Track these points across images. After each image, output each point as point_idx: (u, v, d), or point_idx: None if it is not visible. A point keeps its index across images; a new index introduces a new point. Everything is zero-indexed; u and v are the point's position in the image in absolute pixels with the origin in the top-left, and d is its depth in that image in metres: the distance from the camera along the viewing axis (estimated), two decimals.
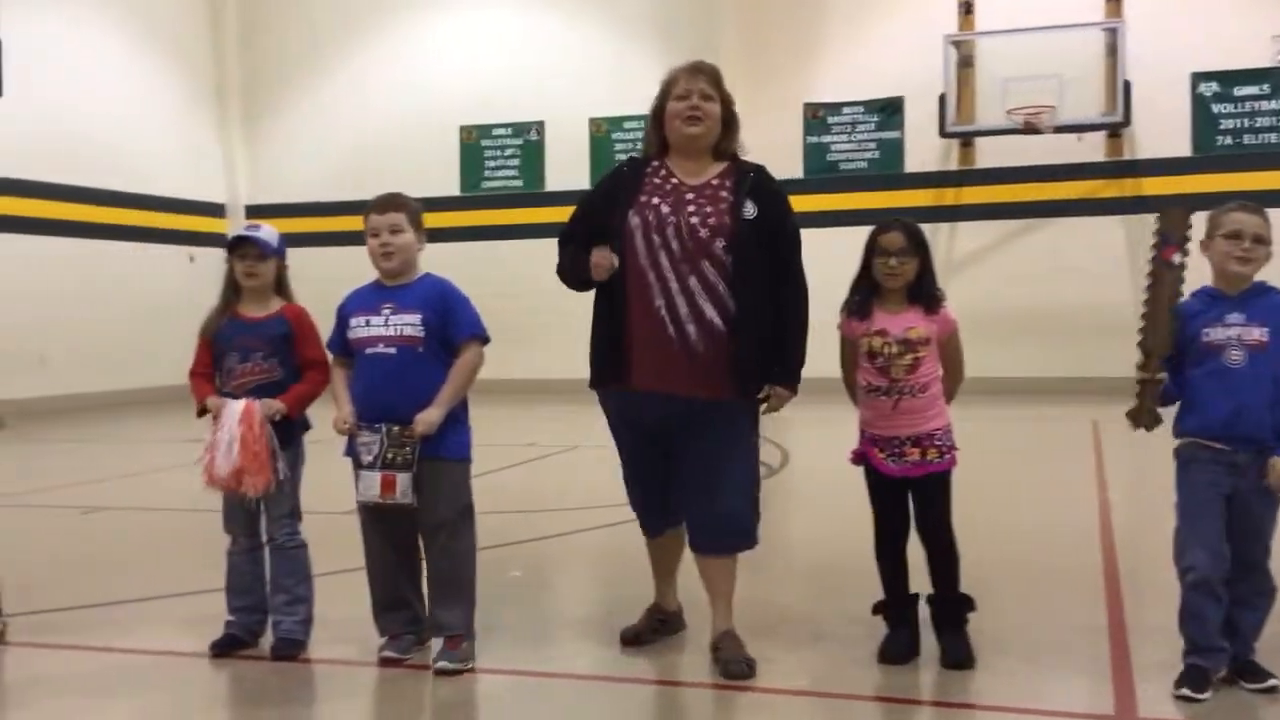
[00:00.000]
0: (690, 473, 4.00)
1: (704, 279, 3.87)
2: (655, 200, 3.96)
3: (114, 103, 16.22)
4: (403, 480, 3.96)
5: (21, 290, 14.13)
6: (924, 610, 4.14)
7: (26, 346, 14.15)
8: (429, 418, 3.93)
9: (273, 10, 18.49)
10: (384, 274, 4.14)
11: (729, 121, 4.11)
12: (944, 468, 4.03)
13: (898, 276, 4.02)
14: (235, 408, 4.08)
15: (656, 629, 4.32)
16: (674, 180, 4.02)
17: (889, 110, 16.34)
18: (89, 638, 4.52)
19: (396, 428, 3.95)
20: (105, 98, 16.04)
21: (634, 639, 4.27)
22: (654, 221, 3.91)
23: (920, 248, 4.04)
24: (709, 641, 4.07)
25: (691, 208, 3.93)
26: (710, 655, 4.03)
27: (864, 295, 4.10)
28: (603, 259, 3.89)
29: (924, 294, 4.06)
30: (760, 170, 4.11)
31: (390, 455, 3.96)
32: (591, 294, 4.09)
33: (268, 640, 4.27)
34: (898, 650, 4.04)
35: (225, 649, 4.22)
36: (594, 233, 4.01)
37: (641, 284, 3.90)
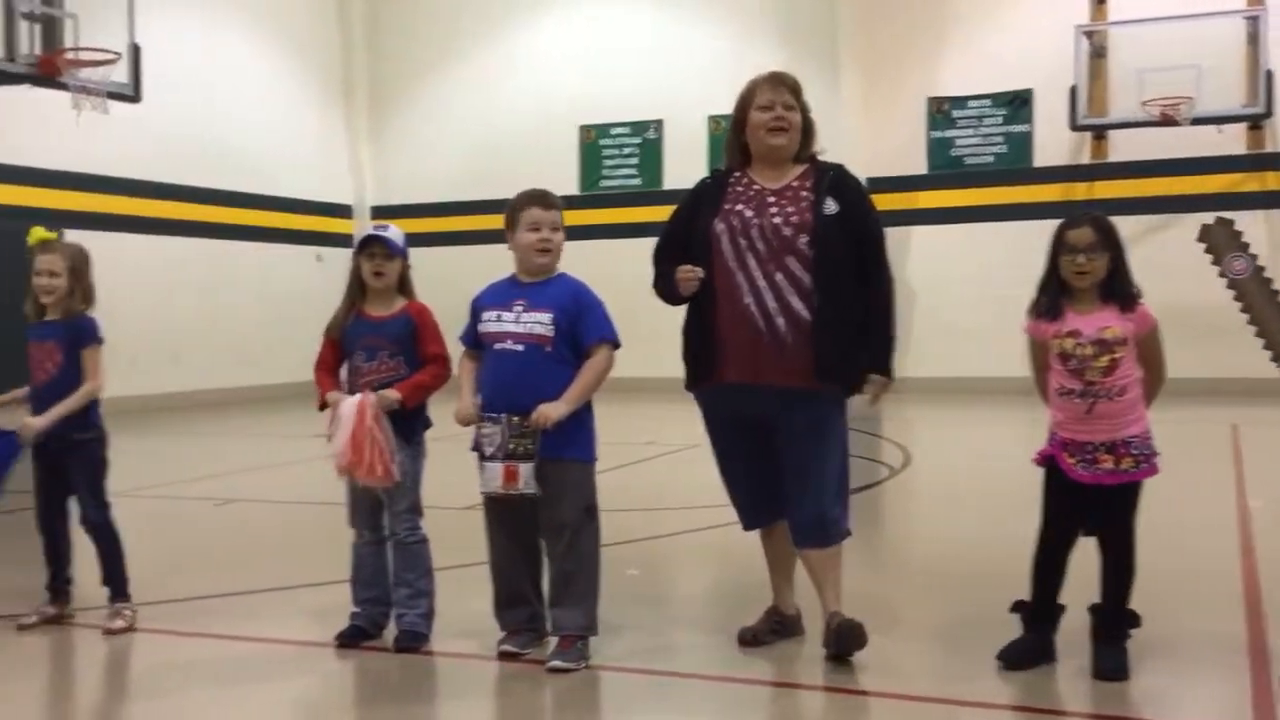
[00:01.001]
0: (784, 465, 4.05)
1: (790, 274, 3.95)
2: (739, 206, 4.06)
3: (246, 107, 16.75)
4: (525, 471, 3.98)
5: (157, 288, 14.69)
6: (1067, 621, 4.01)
7: (162, 343, 14.70)
8: (550, 411, 3.95)
9: (398, 14, 18.89)
10: (533, 270, 4.16)
11: (807, 129, 4.17)
12: (1139, 477, 3.86)
13: (1087, 274, 3.86)
14: (350, 402, 4.15)
15: (775, 630, 4.29)
16: (756, 186, 4.12)
17: (1017, 103, 15.96)
18: (219, 626, 4.66)
19: (517, 418, 3.98)
20: (237, 103, 16.59)
21: (751, 639, 4.25)
22: (738, 225, 4.02)
23: (1111, 243, 3.89)
24: (822, 639, 4.04)
25: (774, 209, 4.03)
26: (823, 646, 4.01)
27: (1053, 295, 3.94)
28: (686, 274, 3.99)
29: (1118, 291, 3.89)
30: (839, 169, 4.17)
31: (512, 446, 3.99)
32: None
33: (391, 632, 4.34)
34: (1022, 654, 3.93)
35: (350, 640, 4.31)
36: (684, 246, 4.12)
37: (730, 284, 3.99)
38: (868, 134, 15.86)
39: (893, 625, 4.48)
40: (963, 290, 15.48)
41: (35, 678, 4.28)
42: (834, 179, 4.09)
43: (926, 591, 5.31)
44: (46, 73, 10.99)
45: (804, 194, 4.04)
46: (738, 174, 4.18)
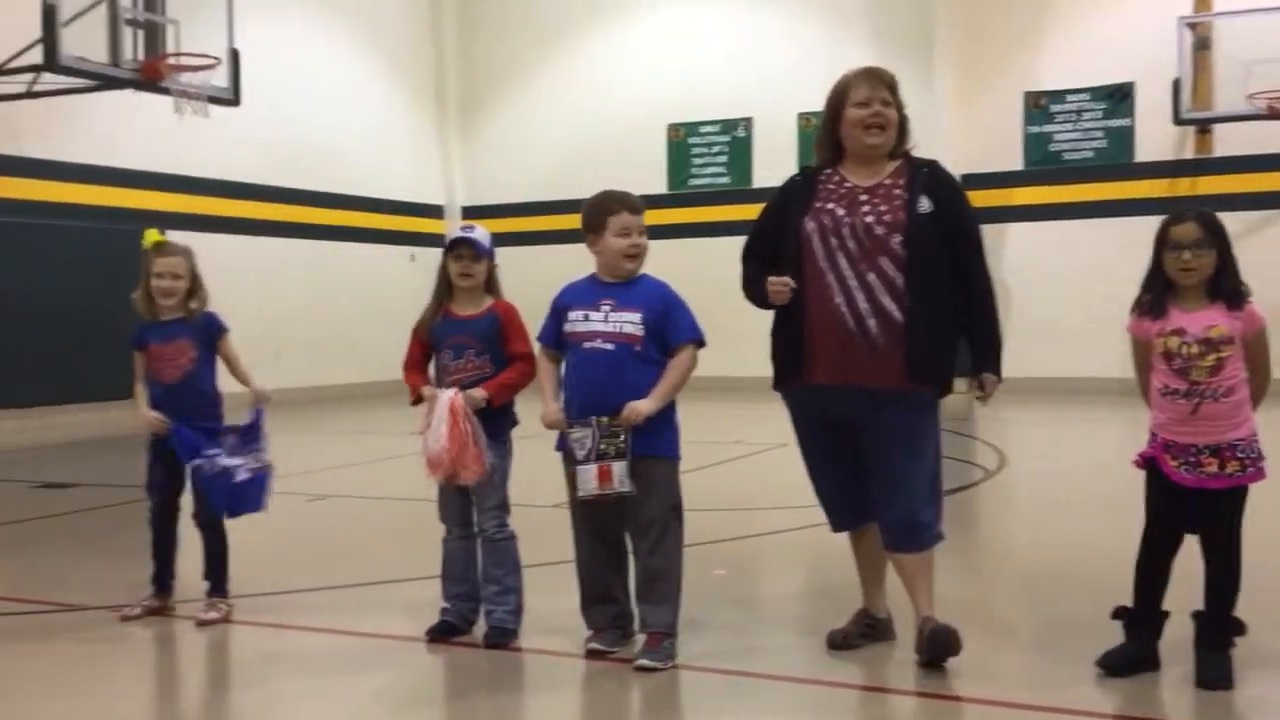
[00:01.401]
0: (874, 467, 3.99)
1: (882, 274, 3.88)
2: (830, 205, 3.99)
3: (341, 111, 17.06)
4: (618, 469, 3.99)
5: (257, 288, 15.01)
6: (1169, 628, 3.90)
7: (263, 341, 15.01)
8: (640, 407, 3.96)
9: (490, 19, 19.08)
10: (623, 273, 4.17)
11: (902, 125, 4.08)
12: (1245, 482, 3.73)
13: (1192, 271, 3.74)
14: (443, 400, 4.19)
15: (865, 634, 4.23)
16: (847, 184, 4.03)
17: (1117, 97, 15.58)
18: (312, 620, 4.74)
19: (605, 419, 3.99)
20: (333, 106, 16.90)
21: (841, 642, 4.19)
22: (830, 225, 3.95)
23: (1218, 239, 3.77)
24: (914, 644, 3.98)
25: (866, 208, 3.95)
26: (915, 652, 3.94)
27: (1157, 292, 3.82)
28: (778, 286, 3.95)
29: (1225, 289, 3.76)
30: (933, 165, 4.09)
31: (604, 446, 4.00)
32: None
33: (481, 628, 4.38)
34: (1122, 661, 3.83)
35: (440, 635, 4.36)
36: (773, 245, 4.07)
37: (820, 284, 3.93)
38: (963, 130, 15.61)
39: (988, 630, 4.39)
40: (1059, 289, 15.15)
41: (134, 668, 4.40)
42: (928, 176, 4.01)
43: (1023, 596, 5.20)
44: (149, 78, 11.30)
45: (897, 192, 3.96)
46: (828, 171, 4.10)
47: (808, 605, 5.15)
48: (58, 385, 12.54)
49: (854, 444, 4.03)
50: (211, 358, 4.79)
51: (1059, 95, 15.91)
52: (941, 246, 3.93)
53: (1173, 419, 3.78)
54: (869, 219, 3.92)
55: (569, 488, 4.17)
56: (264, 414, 4.82)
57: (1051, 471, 9.11)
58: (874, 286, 3.87)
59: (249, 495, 4.76)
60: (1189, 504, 3.78)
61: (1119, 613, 3.93)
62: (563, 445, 4.13)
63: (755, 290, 4.10)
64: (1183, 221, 3.76)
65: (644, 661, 3.96)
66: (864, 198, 3.97)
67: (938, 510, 4.07)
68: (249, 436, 4.78)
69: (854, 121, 3.99)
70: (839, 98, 4.05)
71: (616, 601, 4.23)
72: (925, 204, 3.93)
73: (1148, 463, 3.86)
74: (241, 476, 4.70)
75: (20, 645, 4.54)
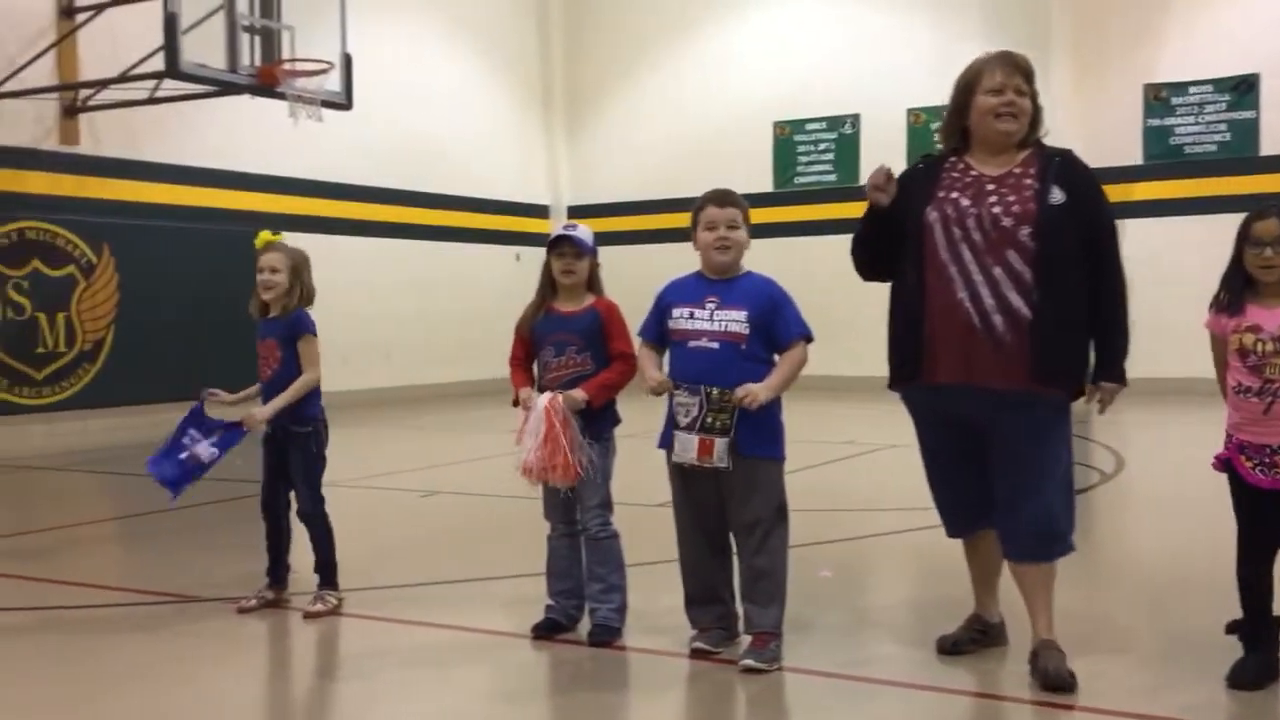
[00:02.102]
0: (1000, 473, 3.83)
1: (1009, 268, 3.71)
2: (954, 194, 3.83)
3: (450, 112, 17.30)
4: (720, 445, 3.93)
5: (369, 288, 15.31)
6: None
7: (373, 340, 15.32)
8: (757, 392, 3.88)
9: (597, 18, 19.17)
10: (714, 268, 4.12)
11: (1035, 115, 3.91)
12: None
13: (1274, 269, 3.62)
14: (540, 403, 4.20)
15: (976, 639, 4.12)
16: (974, 173, 3.87)
17: (1242, 88, 15.01)
18: (420, 614, 4.79)
19: (717, 391, 3.92)
20: (442, 108, 17.15)
21: (951, 647, 4.09)
22: (953, 215, 3.78)
23: None
24: (1029, 651, 3.85)
25: (993, 198, 3.78)
26: (1029, 667, 3.81)
27: (1236, 289, 3.71)
28: (874, 179, 3.86)
29: None
30: (1066, 154, 3.90)
31: (709, 419, 3.94)
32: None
33: (585, 625, 4.38)
34: (1247, 676, 3.67)
35: (545, 632, 4.38)
36: (891, 232, 3.92)
37: (943, 277, 3.76)
38: (1080, 123, 15.17)
39: (1106, 638, 4.26)
40: (1181, 286, 14.58)
41: (245, 659, 4.50)
42: (1061, 165, 3.82)
43: (1143, 603, 5.03)
44: (265, 83, 11.57)
45: (1027, 182, 3.78)
46: (953, 159, 3.94)
47: (917, 609, 5.05)
48: (177, 382, 12.93)
49: (977, 447, 3.87)
50: (297, 358, 4.83)
51: (1180, 87, 15.39)
52: (1074, 241, 3.73)
53: (1246, 418, 3.67)
54: (996, 210, 3.74)
55: (671, 478, 4.14)
56: (236, 434, 4.84)
57: (1171, 474, 8.81)
58: (1000, 281, 3.70)
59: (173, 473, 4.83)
60: (1274, 506, 3.64)
61: (1232, 628, 3.79)
62: (665, 443, 4.10)
63: (859, 254, 4.04)
64: (1265, 217, 3.65)
65: (749, 663, 3.92)
66: (991, 187, 3.80)
67: (1071, 521, 3.87)
68: (225, 436, 4.84)
69: (986, 109, 3.83)
70: (970, 83, 3.88)
71: (721, 601, 4.19)
72: (1058, 195, 3.74)
73: (1225, 465, 3.74)
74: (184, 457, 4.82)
75: (139, 635, 4.68)
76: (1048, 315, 3.68)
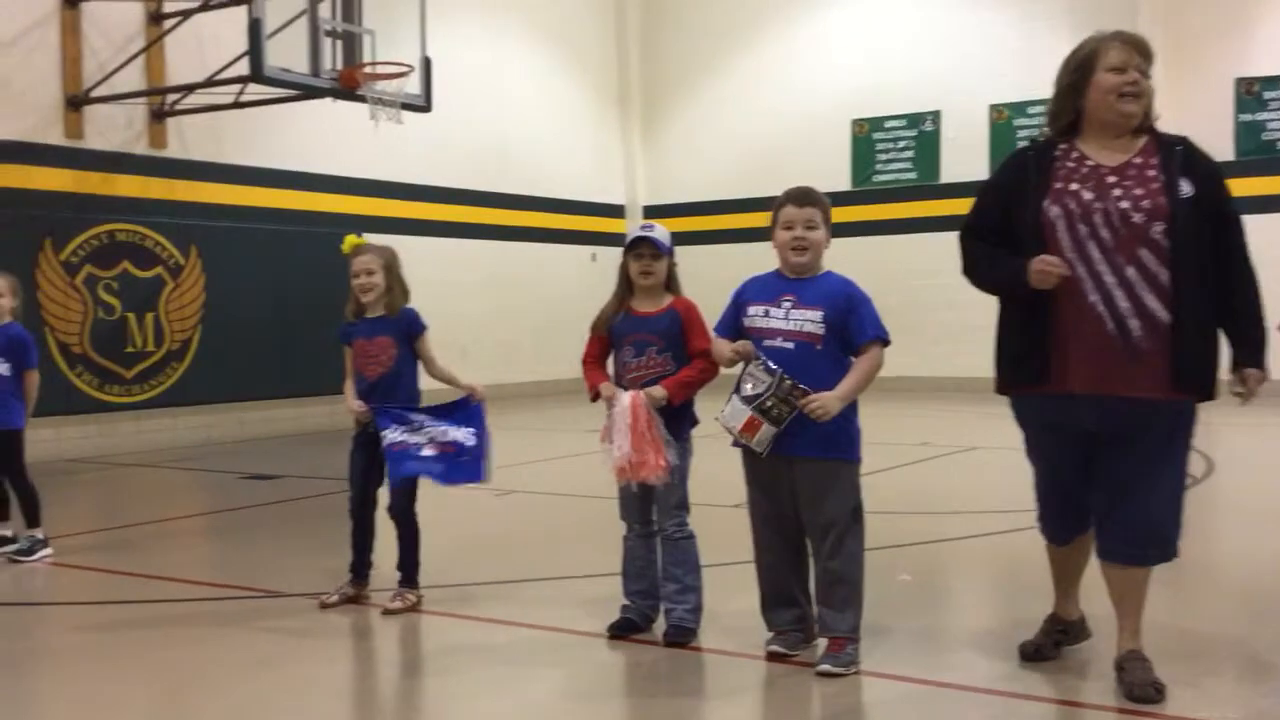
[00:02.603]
0: (1117, 477, 3.65)
1: (1143, 269, 3.50)
2: (1074, 186, 3.61)
3: (527, 113, 17.41)
4: (765, 431, 3.88)
5: (446, 288, 15.43)
6: None
7: (449, 340, 15.43)
8: (828, 405, 3.85)
9: (673, 19, 19.17)
10: (791, 267, 4.09)
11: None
12: None
13: None
14: (623, 401, 4.20)
15: (1059, 641, 4.04)
16: (1090, 162, 3.65)
17: None
18: (498, 611, 4.83)
19: (790, 382, 3.87)
20: (519, 110, 17.26)
21: (1034, 653, 4.02)
22: (1077, 210, 3.57)
23: None
24: (1114, 660, 3.77)
25: (1118, 191, 3.56)
26: (1115, 675, 3.73)
27: None
28: (1048, 266, 3.51)
29: None
30: (1186, 143, 3.68)
31: (770, 403, 3.87)
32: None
33: (661, 626, 4.38)
34: None
35: (621, 632, 4.39)
36: (1001, 226, 3.74)
37: (1069, 279, 3.54)
38: (1169, 118, 14.50)
39: (1194, 649, 4.15)
40: (1275, 285, 14.26)
41: (326, 654, 4.56)
42: (1184, 156, 3.60)
43: (1232, 614, 4.89)
44: (347, 86, 11.73)
45: (1150, 173, 3.56)
46: (1064, 146, 3.71)
47: (998, 613, 4.97)
48: (261, 381, 13.20)
49: (1090, 454, 3.70)
50: (412, 355, 4.96)
51: (1273, 81, 14.96)
52: (1202, 237, 3.52)
53: None
54: (1124, 204, 3.53)
55: (747, 479, 4.12)
56: (479, 406, 4.98)
57: (1263, 480, 8.57)
58: (1134, 283, 3.49)
59: (434, 469, 4.84)
60: None
61: None
62: (740, 442, 4.08)
63: (984, 271, 3.76)
64: None
65: (826, 666, 3.89)
66: (1112, 179, 3.59)
67: (1178, 527, 3.71)
68: (442, 413, 4.89)
69: (1108, 88, 3.59)
70: (1086, 63, 3.66)
71: (797, 604, 4.16)
72: (1186, 187, 3.53)
73: None
74: (426, 452, 4.81)
75: (225, 629, 4.78)
76: (1186, 318, 3.49)
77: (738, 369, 4.05)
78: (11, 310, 6.16)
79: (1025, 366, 3.68)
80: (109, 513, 8.00)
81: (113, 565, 5.94)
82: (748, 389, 3.92)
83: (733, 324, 4.14)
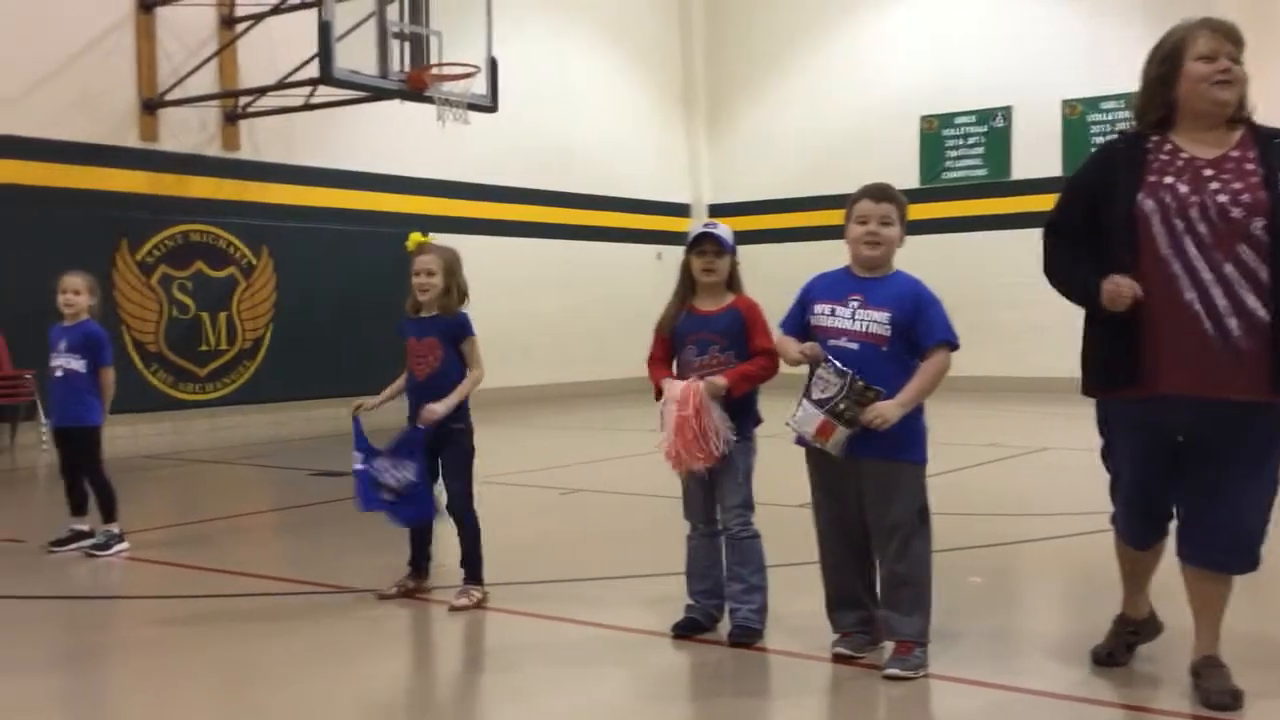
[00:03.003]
0: (1206, 480, 3.53)
1: (1242, 265, 3.38)
2: (1169, 180, 3.49)
3: (591, 112, 17.47)
4: (840, 434, 3.83)
5: (511, 288, 15.53)
6: None
7: (513, 339, 15.54)
8: (887, 414, 3.80)
9: (737, 16, 19.10)
10: (862, 263, 4.02)
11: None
12: None
13: None
14: (675, 389, 4.18)
15: (1130, 644, 3.95)
16: (1184, 155, 3.53)
17: None
18: (562, 609, 4.83)
19: (862, 383, 3.80)
20: (584, 109, 17.32)
21: (1106, 658, 3.93)
22: (1173, 204, 3.44)
23: None
24: (1189, 665, 3.68)
25: (1215, 185, 3.44)
26: (1190, 681, 3.64)
27: None
28: (1121, 289, 3.42)
29: None
30: None
31: (842, 406, 3.81)
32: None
33: (725, 626, 4.35)
34: None
35: (686, 632, 4.36)
36: (1087, 222, 3.63)
37: (1164, 276, 3.43)
38: (1262, 110, 14.49)
39: (1275, 656, 4.03)
40: None
41: (390, 649, 4.61)
42: None
43: None
44: (414, 87, 11.85)
45: (1249, 167, 3.44)
46: (1155, 138, 3.59)
47: (1069, 617, 4.88)
48: (331, 380, 13.37)
49: (1178, 458, 3.58)
50: (459, 357, 4.94)
51: None
52: None
53: None
54: (1222, 198, 3.40)
55: (811, 479, 4.08)
56: (419, 435, 4.85)
57: None
58: (1233, 280, 3.37)
59: (398, 508, 4.90)
60: None
61: None
62: (803, 440, 4.04)
63: (1063, 275, 3.66)
64: None
65: (894, 670, 3.84)
66: (1209, 172, 3.46)
67: (1264, 535, 3.58)
68: (398, 452, 4.87)
69: (1199, 76, 3.47)
70: (1175, 52, 3.54)
71: (862, 605, 4.10)
72: None
73: None
74: (386, 497, 4.87)
75: (291, 623, 4.84)
76: None
77: (801, 368, 4.00)
78: (89, 308, 6.29)
79: (1116, 368, 3.56)
80: (182, 508, 8.15)
81: (185, 560, 6.04)
82: (818, 393, 3.87)
83: (799, 321, 4.08)
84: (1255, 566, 3.59)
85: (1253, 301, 3.37)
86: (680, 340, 4.36)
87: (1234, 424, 3.45)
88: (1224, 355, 3.39)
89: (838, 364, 3.85)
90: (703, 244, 4.31)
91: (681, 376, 4.36)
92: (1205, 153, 3.52)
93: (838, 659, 4.03)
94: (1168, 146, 3.57)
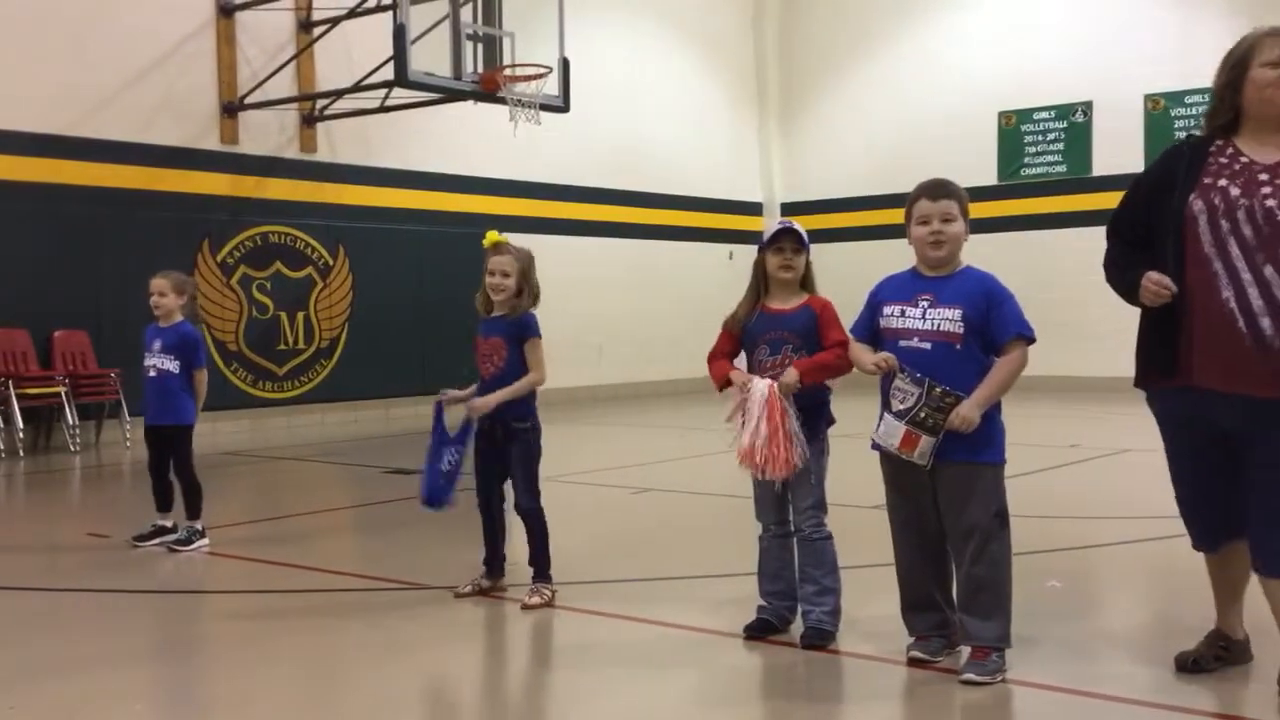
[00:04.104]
0: (1256, 485, 3.53)
1: None
2: (1222, 182, 3.54)
3: (664, 113, 17.47)
4: (925, 443, 3.78)
5: (585, 287, 15.60)
6: None
7: (586, 339, 15.60)
8: (969, 416, 3.74)
9: (811, 12, 18.98)
10: (928, 263, 3.95)
11: None
12: None
13: None
14: (760, 389, 4.13)
15: (1219, 656, 3.85)
16: (1243, 159, 3.57)
17: None
18: (633, 609, 4.82)
19: (940, 389, 3.75)
20: (656, 109, 17.33)
21: (1192, 666, 3.83)
22: (1221, 205, 3.50)
23: None
24: (1278, 674, 3.59)
25: (1267, 189, 3.48)
26: (1277, 689, 3.54)
27: None
28: (1158, 287, 3.50)
29: None
30: None
31: (923, 414, 3.77)
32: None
33: (798, 627, 4.32)
34: None
35: (758, 633, 4.33)
36: (1145, 222, 3.65)
37: (1205, 274, 3.49)
38: None
39: None
40: None
41: (462, 646, 4.63)
42: None
43: None
44: (488, 89, 11.94)
45: None
46: (1220, 143, 3.64)
47: (1153, 623, 4.76)
48: (406, 379, 13.53)
49: (1230, 455, 3.60)
50: (523, 358, 4.94)
51: None
52: None
53: None
54: (1270, 203, 3.45)
55: (885, 481, 4.03)
56: (471, 426, 4.96)
57: None
58: (1271, 281, 3.41)
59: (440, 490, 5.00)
60: None
61: None
62: (878, 445, 3.98)
63: (1116, 275, 3.71)
64: None
65: (970, 675, 3.77)
66: (1264, 177, 3.51)
67: None
68: (458, 437, 4.98)
69: (1264, 82, 3.52)
70: (1243, 59, 3.59)
71: (938, 609, 4.04)
72: None
73: None
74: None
75: (367, 618, 4.89)
76: None
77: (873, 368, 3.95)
78: (181, 308, 6.40)
79: (1156, 359, 3.65)
80: (261, 505, 8.29)
81: (264, 555, 6.14)
82: (897, 404, 3.83)
83: (869, 325, 4.04)
84: None
85: None
86: (753, 340, 4.32)
87: (1271, 426, 3.45)
88: (1254, 354, 3.43)
89: (914, 372, 3.80)
90: (782, 240, 4.26)
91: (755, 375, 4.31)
92: (1266, 158, 3.55)
93: (913, 663, 3.97)
94: (1229, 150, 3.61)
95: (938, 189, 3.95)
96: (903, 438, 3.81)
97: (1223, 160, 3.60)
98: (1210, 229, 3.51)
